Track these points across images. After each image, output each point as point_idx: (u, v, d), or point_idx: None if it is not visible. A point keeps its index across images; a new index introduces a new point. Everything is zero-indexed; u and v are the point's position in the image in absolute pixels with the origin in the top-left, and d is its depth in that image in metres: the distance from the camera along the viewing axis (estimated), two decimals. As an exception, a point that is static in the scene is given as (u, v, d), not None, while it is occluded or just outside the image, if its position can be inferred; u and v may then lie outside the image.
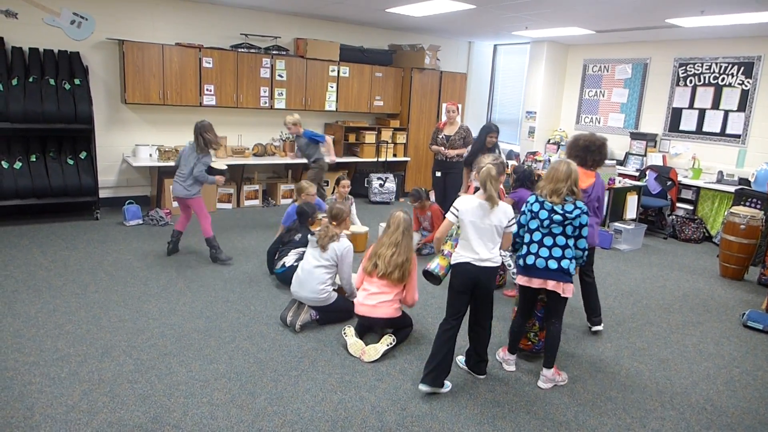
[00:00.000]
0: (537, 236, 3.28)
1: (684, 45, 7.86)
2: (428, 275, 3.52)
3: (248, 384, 3.24)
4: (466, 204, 3.23)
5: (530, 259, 3.28)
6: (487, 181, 3.15)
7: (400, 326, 3.82)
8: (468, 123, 9.24)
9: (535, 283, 3.29)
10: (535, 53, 9.27)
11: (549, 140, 9.40)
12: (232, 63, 7.32)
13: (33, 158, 6.09)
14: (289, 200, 7.49)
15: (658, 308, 4.87)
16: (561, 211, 3.20)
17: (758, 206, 6.27)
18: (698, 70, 7.74)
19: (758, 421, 3.20)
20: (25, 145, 6.17)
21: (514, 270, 4.79)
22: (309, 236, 4.14)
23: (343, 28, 8.52)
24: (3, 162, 5.92)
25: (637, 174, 7.86)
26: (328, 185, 7.64)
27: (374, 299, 3.69)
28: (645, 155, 8.12)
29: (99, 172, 6.56)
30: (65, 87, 6.09)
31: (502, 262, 3.65)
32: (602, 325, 4.22)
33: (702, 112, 7.75)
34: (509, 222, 3.24)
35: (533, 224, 3.30)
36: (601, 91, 9.00)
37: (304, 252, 4.24)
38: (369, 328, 3.88)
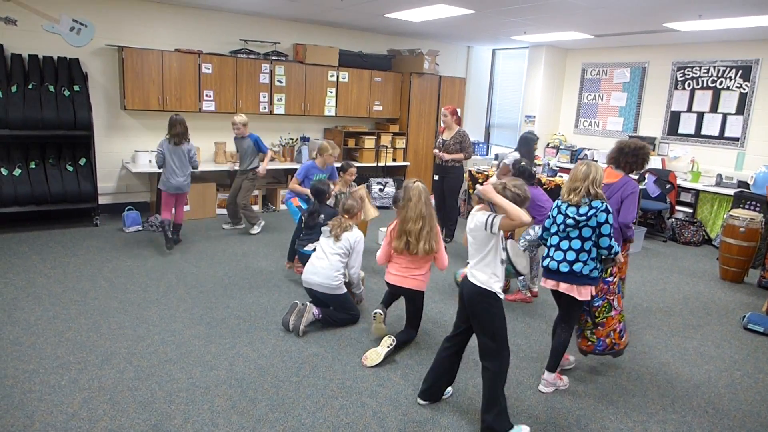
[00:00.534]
0: (554, 240, 3.35)
1: (682, 49, 7.88)
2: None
3: (249, 390, 3.23)
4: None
5: (545, 261, 3.38)
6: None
7: (420, 301, 3.87)
8: (467, 128, 9.27)
9: (549, 284, 3.36)
10: (534, 57, 9.30)
11: (548, 144, 9.41)
12: (232, 69, 7.33)
13: (32, 165, 6.09)
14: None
15: (659, 311, 4.86)
16: (573, 215, 3.22)
17: (757, 209, 6.28)
18: (696, 73, 7.76)
19: (760, 424, 3.20)
20: (25, 152, 6.16)
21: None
22: (322, 228, 4.25)
23: (342, 34, 8.54)
24: (2, 169, 5.91)
25: (636, 177, 7.85)
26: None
27: (407, 272, 3.76)
28: (644, 158, 8.12)
29: (98, 178, 6.55)
30: (65, 93, 6.10)
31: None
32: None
33: (700, 116, 7.76)
34: (483, 221, 2.84)
35: (553, 228, 3.37)
36: (599, 95, 9.02)
37: None
38: (396, 296, 3.96)
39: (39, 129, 5.95)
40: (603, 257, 3.28)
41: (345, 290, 4.16)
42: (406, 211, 3.64)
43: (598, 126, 9.05)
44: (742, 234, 5.66)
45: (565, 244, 3.29)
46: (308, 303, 4.04)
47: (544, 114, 9.44)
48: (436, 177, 6.72)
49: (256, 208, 7.80)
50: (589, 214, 3.19)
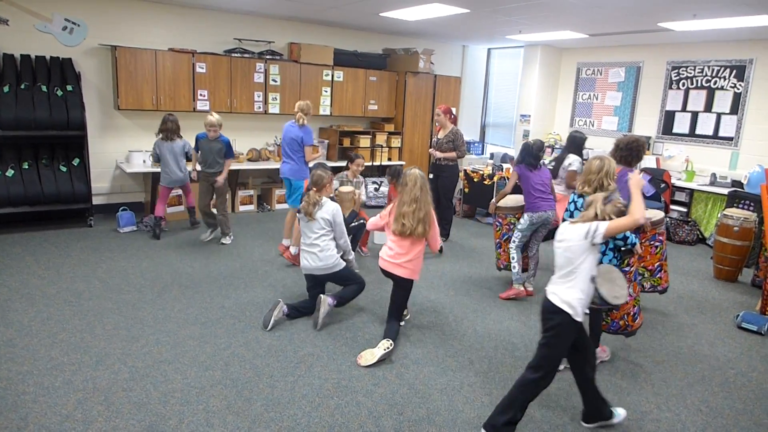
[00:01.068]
0: None
1: (677, 48, 7.91)
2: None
3: (244, 390, 3.22)
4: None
5: None
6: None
7: (408, 289, 3.98)
8: (462, 127, 9.28)
9: None
10: (529, 57, 9.31)
11: (543, 143, 9.41)
12: (226, 68, 7.31)
13: (25, 166, 6.05)
14: (284, 205, 7.46)
15: (653, 310, 4.88)
16: (582, 209, 3.26)
17: (751, 208, 6.31)
18: (691, 73, 7.79)
19: (753, 422, 3.21)
20: (17, 153, 6.12)
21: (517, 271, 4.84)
22: (297, 214, 4.35)
23: (337, 33, 8.53)
24: (-5, 169, 5.89)
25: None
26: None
27: (399, 258, 3.85)
28: (638, 158, 8.15)
29: (92, 178, 6.51)
30: (57, 93, 6.06)
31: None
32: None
33: (695, 115, 7.80)
34: (585, 230, 2.79)
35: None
36: (594, 95, 9.04)
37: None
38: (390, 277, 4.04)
39: (32, 129, 5.92)
40: (620, 248, 3.39)
41: (343, 263, 4.25)
42: (402, 195, 3.85)
43: (593, 125, 9.08)
44: (736, 233, 5.69)
45: None
46: (321, 296, 4.12)
47: (539, 113, 9.45)
48: (431, 176, 6.73)
49: (250, 207, 7.79)
50: None
